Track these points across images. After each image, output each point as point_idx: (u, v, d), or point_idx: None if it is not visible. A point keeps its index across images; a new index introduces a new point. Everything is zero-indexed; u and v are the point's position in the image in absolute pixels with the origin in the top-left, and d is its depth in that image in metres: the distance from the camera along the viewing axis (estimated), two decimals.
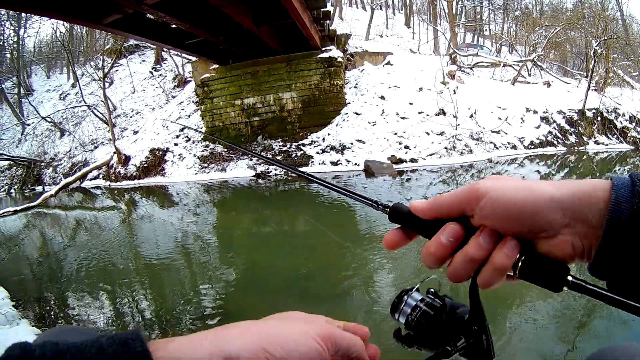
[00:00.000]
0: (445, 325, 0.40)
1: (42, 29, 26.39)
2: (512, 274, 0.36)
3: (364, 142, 11.33)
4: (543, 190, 0.34)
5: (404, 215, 0.41)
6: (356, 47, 13.51)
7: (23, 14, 22.89)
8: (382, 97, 12.28)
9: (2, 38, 25.29)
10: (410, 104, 12.43)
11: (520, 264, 0.35)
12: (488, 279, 0.36)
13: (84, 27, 19.98)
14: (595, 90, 14.29)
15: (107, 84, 15.44)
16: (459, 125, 11.95)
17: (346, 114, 11.84)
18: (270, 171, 11.03)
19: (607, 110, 13.55)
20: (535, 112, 13.43)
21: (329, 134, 11.46)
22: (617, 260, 0.32)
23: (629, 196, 0.31)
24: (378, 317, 2.99)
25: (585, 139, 12.99)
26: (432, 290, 0.44)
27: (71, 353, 0.27)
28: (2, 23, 24.87)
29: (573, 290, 0.33)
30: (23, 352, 0.26)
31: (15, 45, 24.98)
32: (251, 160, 11.43)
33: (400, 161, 11.07)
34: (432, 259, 0.38)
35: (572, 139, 12.98)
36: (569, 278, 0.33)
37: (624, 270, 0.32)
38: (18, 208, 13.36)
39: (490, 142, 12.17)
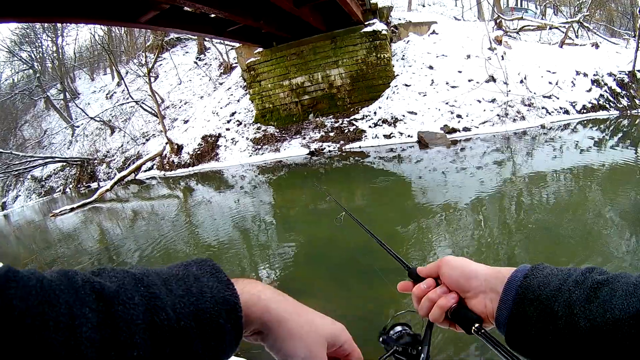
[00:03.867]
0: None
1: (80, 36, 27.22)
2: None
3: (415, 114, 11.18)
4: (476, 267, 0.54)
5: (413, 274, 0.62)
6: (399, 19, 13.26)
7: (59, 24, 23.69)
8: (431, 67, 12.06)
9: (40, 50, 26.30)
10: (459, 72, 12.15)
11: (451, 311, 0.54)
12: (434, 315, 0.55)
13: (123, 28, 20.41)
14: None
15: (152, 79, 15.79)
16: (509, 91, 11.59)
17: (395, 86, 11.71)
18: (324, 148, 11.07)
19: None
20: (585, 74, 12.81)
21: (380, 107, 11.37)
22: (511, 318, 0.48)
23: (522, 274, 0.49)
24: None
25: (637, 101, 12.28)
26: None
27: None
28: (39, 36, 25.86)
29: (477, 335, 0.50)
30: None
31: (55, 55, 25.93)
32: (304, 138, 11.51)
33: (454, 130, 10.86)
34: (415, 298, 0.59)
35: (624, 102, 12.31)
36: (476, 325, 0.51)
37: (516, 326, 0.47)
38: (74, 205, 13.68)
39: (543, 108, 11.73)
